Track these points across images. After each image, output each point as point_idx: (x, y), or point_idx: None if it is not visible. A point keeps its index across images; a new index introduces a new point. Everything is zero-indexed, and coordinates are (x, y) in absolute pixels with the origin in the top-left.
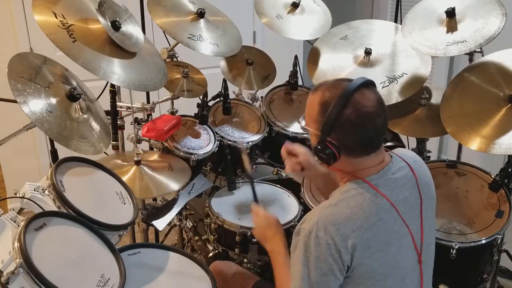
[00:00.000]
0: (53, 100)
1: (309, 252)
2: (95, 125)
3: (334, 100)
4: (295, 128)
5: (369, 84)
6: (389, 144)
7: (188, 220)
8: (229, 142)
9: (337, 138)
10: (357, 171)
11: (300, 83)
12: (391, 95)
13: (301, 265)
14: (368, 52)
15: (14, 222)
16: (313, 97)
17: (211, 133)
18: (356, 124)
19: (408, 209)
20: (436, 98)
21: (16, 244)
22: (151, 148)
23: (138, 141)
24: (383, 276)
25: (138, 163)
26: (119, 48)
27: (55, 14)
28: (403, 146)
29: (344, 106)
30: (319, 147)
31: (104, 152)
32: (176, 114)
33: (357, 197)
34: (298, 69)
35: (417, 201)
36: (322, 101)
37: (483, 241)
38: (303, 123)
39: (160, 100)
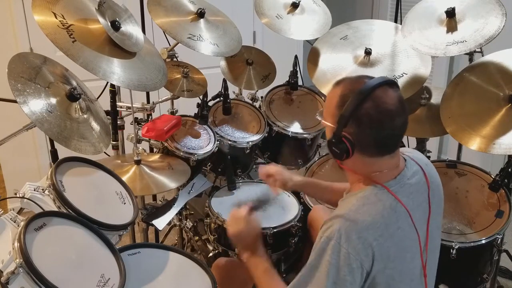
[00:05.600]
0: (53, 100)
1: (328, 261)
2: (95, 125)
3: (355, 93)
4: (295, 128)
5: (392, 84)
6: None
7: (188, 220)
8: (229, 142)
9: (352, 132)
10: (371, 174)
11: (300, 83)
12: None
13: (320, 275)
14: (368, 52)
15: (14, 222)
16: (334, 90)
17: (211, 133)
18: (374, 119)
19: (419, 216)
20: (436, 98)
21: (16, 244)
22: (151, 148)
23: (138, 141)
24: (398, 282)
25: (138, 162)
26: (119, 48)
27: (55, 14)
28: (403, 146)
29: (364, 100)
30: (333, 140)
31: (105, 152)
32: (176, 114)
33: (378, 204)
34: (298, 69)
35: (427, 208)
36: (342, 94)
37: (483, 241)
38: (320, 118)
39: (160, 100)
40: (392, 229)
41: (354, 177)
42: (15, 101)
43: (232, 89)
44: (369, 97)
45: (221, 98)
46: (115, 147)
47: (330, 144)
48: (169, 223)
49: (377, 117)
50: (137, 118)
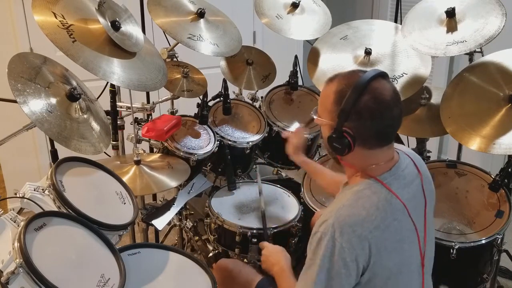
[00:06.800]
0: (53, 100)
1: (323, 254)
2: (95, 125)
3: (351, 87)
4: (295, 128)
5: (385, 75)
6: None
7: (188, 220)
8: (229, 142)
9: (352, 126)
10: (369, 167)
11: (300, 83)
12: None
13: (316, 269)
14: (368, 52)
15: (14, 222)
16: (328, 87)
17: (211, 133)
18: (374, 111)
19: (415, 207)
20: (436, 98)
21: (16, 244)
22: (151, 148)
23: (138, 141)
24: (396, 274)
25: (138, 162)
26: (119, 48)
27: (55, 14)
28: (402, 143)
29: (362, 93)
30: (334, 136)
31: (105, 153)
32: (176, 114)
33: (372, 197)
34: (298, 69)
35: (422, 200)
36: (338, 90)
37: (483, 241)
38: (315, 116)
39: (160, 100)
40: (388, 220)
41: (352, 171)
42: (15, 101)
43: (232, 89)
44: (367, 90)
45: (221, 98)
46: (115, 147)
47: (330, 140)
48: (169, 223)
49: (376, 109)
50: (137, 118)
